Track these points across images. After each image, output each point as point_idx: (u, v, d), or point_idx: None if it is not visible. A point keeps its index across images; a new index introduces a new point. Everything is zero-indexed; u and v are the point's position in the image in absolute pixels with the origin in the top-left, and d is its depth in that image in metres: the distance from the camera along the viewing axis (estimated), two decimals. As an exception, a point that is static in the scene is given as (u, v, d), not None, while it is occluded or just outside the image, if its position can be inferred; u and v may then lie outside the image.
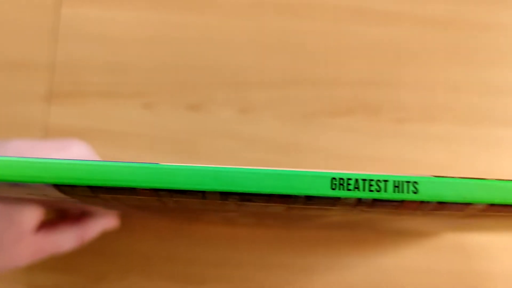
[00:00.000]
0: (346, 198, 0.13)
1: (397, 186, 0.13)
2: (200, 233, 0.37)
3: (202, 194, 0.13)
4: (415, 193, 0.13)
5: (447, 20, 0.40)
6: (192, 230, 0.37)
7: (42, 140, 0.30)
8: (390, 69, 0.39)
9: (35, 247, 0.28)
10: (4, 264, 0.27)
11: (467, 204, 0.13)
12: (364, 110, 0.38)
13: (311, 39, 0.39)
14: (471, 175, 0.38)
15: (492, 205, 0.13)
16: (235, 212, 0.18)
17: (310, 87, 0.38)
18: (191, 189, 0.13)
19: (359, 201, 0.13)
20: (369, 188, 0.13)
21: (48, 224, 0.30)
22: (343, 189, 0.13)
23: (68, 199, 0.15)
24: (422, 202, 0.13)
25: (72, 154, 0.29)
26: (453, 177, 0.13)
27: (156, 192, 0.13)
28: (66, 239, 0.30)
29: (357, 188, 0.13)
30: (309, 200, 0.13)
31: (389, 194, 0.13)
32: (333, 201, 0.13)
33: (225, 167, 0.13)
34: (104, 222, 0.33)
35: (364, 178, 0.13)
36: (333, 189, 0.13)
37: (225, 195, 0.13)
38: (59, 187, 0.13)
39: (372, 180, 0.13)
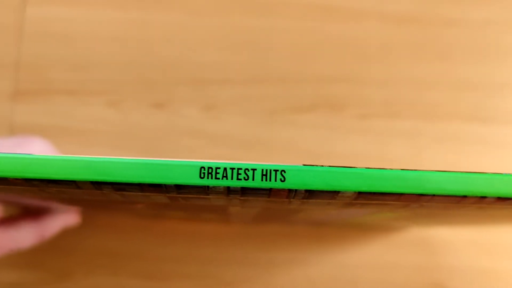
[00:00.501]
0: (215, 187, 0.13)
1: (264, 174, 0.13)
2: (164, 230, 0.37)
3: (75, 184, 0.14)
4: (282, 181, 0.13)
5: (411, 16, 0.39)
6: (156, 227, 0.37)
7: (3, 138, 0.30)
8: (354, 66, 0.39)
9: (-6, 243, 0.29)
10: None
11: (336, 192, 0.13)
12: (328, 106, 0.38)
13: (275, 36, 0.39)
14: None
15: (361, 193, 0.13)
16: (142, 203, 0.18)
17: (274, 84, 0.39)
18: (62, 179, 0.13)
19: (229, 190, 0.14)
20: (237, 176, 0.13)
21: (7, 220, 0.30)
22: (212, 178, 0.13)
23: None
24: (290, 190, 0.13)
25: (31, 151, 0.30)
26: (321, 166, 0.13)
27: (29, 182, 0.13)
28: (25, 235, 0.31)
29: (225, 176, 0.13)
30: (180, 189, 0.14)
31: (257, 182, 0.13)
32: (204, 190, 0.14)
33: (96, 157, 0.13)
34: (65, 218, 0.34)
35: (232, 167, 0.13)
36: (202, 178, 0.13)
37: (98, 185, 0.14)
38: None
39: (240, 169, 0.13)
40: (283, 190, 0.13)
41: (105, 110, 0.38)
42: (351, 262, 0.37)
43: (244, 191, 0.14)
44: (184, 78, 0.38)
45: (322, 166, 0.13)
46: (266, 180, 0.13)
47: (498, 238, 0.37)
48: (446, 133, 0.38)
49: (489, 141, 0.38)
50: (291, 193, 0.14)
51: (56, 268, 0.37)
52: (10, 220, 0.30)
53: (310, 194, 0.14)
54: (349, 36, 0.39)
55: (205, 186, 0.13)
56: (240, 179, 0.13)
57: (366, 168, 0.13)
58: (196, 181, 0.13)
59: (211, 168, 0.13)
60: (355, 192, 0.13)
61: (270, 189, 0.13)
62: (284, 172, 0.13)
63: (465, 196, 0.13)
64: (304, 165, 0.13)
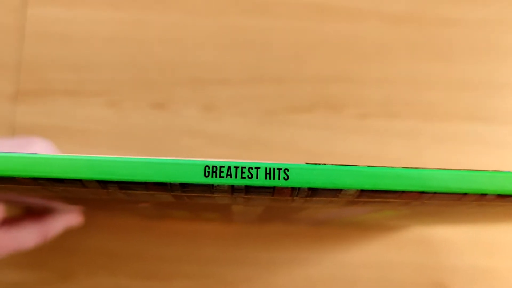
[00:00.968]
0: (219, 185, 0.14)
1: (268, 173, 0.13)
2: (165, 230, 0.38)
3: (81, 183, 0.14)
4: (286, 179, 0.13)
5: (410, 16, 0.40)
6: (158, 227, 0.38)
7: (6, 139, 0.30)
8: (353, 66, 0.39)
9: (-3, 244, 0.29)
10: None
11: (339, 190, 0.14)
12: (326, 106, 0.39)
13: (274, 36, 0.39)
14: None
15: (363, 191, 0.14)
16: (147, 202, 0.18)
17: (272, 84, 0.39)
18: (69, 178, 0.13)
19: (233, 188, 0.14)
20: (241, 175, 0.13)
21: (10, 220, 0.31)
22: (216, 177, 0.13)
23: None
24: (293, 188, 0.14)
25: (34, 152, 0.30)
26: (324, 164, 0.13)
27: (36, 181, 0.14)
28: (29, 235, 0.31)
29: (229, 175, 0.13)
30: (185, 187, 0.14)
31: (261, 181, 0.13)
32: (208, 188, 0.14)
33: (103, 157, 0.13)
34: (68, 218, 0.34)
35: (236, 165, 0.13)
36: (206, 176, 0.13)
37: (104, 184, 0.14)
38: None
39: (244, 167, 0.13)
40: (286, 188, 0.14)
41: (105, 111, 0.38)
42: (352, 261, 0.37)
43: (248, 189, 0.14)
44: (183, 78, 0.39)
45: (325, 164, 0.14)
46: (269, 178, 0.13)
47: (498, 237, 0.37)
48: (446, 133, 0.38)
49: (489, 141, 0.38)
50: (295, 191, 0.14)
51: (58, 268, 0.37)
52: (13, 220, 0.30)
53: (313, 192, 0.14)
54: (348, 36, 0.39)
55: (209, 185, 0.14)
56: (244, 178, 0.13)
57: (368, 166, 0.14)
58: (201, 179, 0.13)
59: (216, 166, 0.13)
60: (357, 190, 0.14)
61: (274, 188, 0.14)
62: (288, 170, 0.13)
63: (466, 194, 0.14)
64: (307, 163, 0.14)
